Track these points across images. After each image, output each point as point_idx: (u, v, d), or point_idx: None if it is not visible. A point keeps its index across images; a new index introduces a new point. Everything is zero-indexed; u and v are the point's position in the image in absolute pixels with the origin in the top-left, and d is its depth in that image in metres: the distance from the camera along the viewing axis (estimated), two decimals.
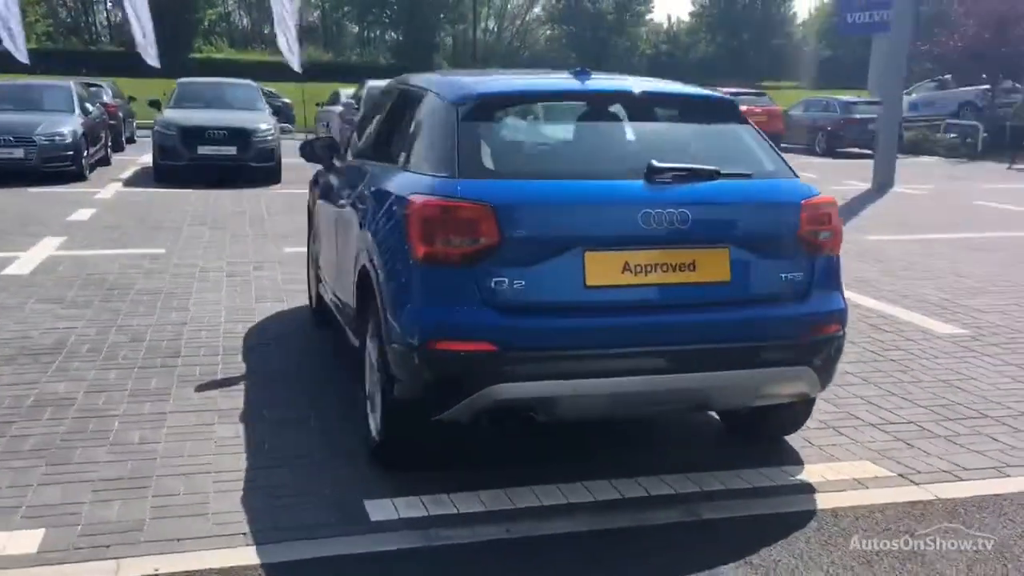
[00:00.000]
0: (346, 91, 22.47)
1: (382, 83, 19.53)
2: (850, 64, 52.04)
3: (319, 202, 5.91)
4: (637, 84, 4.18)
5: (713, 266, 3.63)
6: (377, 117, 5.29)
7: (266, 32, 73.70)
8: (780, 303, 3.72)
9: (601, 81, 4.30)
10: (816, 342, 3.75)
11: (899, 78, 17.15)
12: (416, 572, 3.25)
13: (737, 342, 3.62)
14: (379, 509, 3.65)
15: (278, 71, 37.14)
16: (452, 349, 3.49)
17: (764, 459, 4.20)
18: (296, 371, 5.48)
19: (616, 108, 4.05)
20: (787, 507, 3.74)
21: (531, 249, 3.49)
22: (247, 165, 15.20)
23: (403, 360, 3.62)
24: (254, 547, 3.35)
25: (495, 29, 73.39)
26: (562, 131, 3.93)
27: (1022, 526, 3.57)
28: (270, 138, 15.60)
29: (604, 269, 3.52)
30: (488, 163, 3.66)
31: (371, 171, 4.57)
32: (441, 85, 4.30)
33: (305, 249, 7.03)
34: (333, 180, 5.54)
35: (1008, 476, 4.05)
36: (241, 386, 5.16)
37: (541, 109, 3.89)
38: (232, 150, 15.20)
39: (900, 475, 4.04)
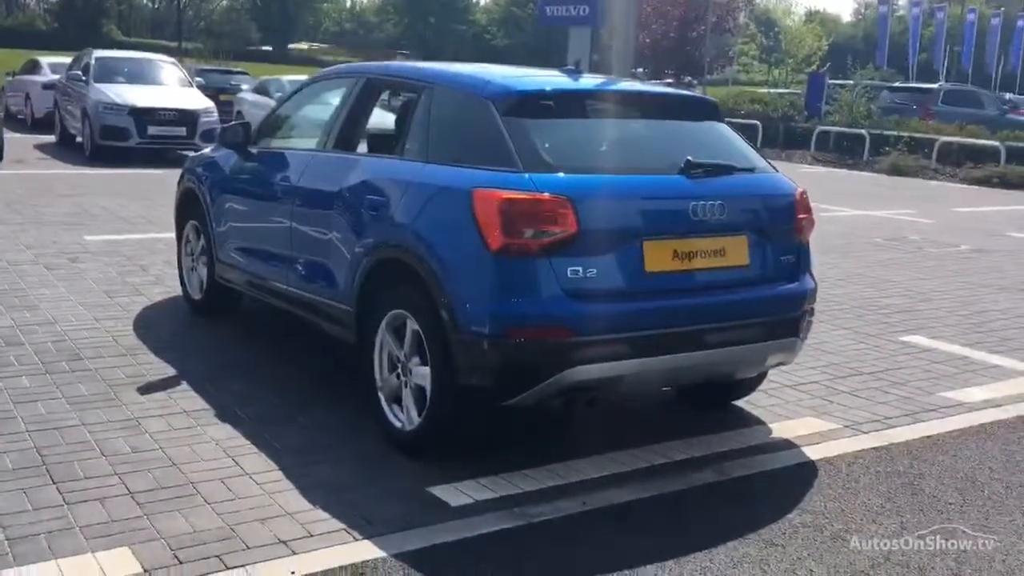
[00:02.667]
0: (49, 60, 20.41)
1: (113, 53, 18.46)
2: (526, 53, 55.10)
3: (231, 191, 5.63)
4: (641, 86, 4.53)
5: (736, 252, 4.09)
6: (320, 107, 5.22)
7: None
8: (782, 283, 4.25)
9: (610, 81, 4.61)
10: (803, 315, 4.33)
11: (629, 70, 18.68)
12: (539, 545, 3.43)
13: (759, 317, 4.11)
14: (450, 495, 3.74)
15: None
16: (530, 336, 3.66)
17: (731, 423, 4.74)
18: (231, 364, 5.28)
19: (634, 108, 4.36)
20: (790, 461, 4.31)
21: (601, 239, 3.75)
22: None
23: (473, 349, 3.72)
24: (366, 541, 3.35)
25: None
26: (596, 128, 4.18)
27: (969, 460, 4.39)
28: None
29: (659, 256, 3.86)
30: (547, 158, 3.83)
31: (364, 163, 4.53)
32: (455, 80, 4.40)
33: (173, 238, 6.65)
34: (264, 167, 5.34)
35: (923, 421, 4.88)
36: (185, 385, 4.89)
37: (571, 107, 4.09)
38: None
39: (846, 427, 4.75)
